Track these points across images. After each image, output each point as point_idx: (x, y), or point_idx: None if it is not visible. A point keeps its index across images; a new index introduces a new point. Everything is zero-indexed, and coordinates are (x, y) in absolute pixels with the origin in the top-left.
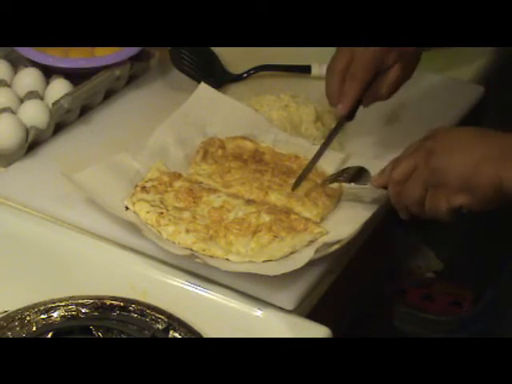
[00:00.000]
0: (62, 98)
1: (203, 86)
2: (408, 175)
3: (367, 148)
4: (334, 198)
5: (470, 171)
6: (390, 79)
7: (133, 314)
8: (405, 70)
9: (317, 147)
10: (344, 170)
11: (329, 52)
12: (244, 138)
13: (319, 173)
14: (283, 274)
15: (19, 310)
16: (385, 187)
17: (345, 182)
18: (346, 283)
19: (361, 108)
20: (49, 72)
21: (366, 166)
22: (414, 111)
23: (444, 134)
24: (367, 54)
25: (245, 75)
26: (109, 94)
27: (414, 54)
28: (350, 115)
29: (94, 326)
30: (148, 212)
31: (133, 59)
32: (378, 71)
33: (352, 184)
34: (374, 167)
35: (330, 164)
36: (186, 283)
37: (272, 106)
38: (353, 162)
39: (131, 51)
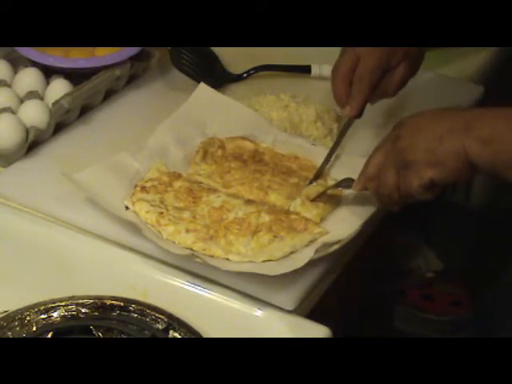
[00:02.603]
0: (61, 98)
1: (203, 86)
2: (380, 168)
3: (367, 148)
4: (335, 199)
5: (435, 144)
6: (396, 78)
7: (133, 314)
8: (411, 68)
9: (317, 148)
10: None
11: (329, 52)
12: (244, 138)
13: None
14: (283, 274)
15: (19, 310)
16: (366, 188)
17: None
18: (345, 283)
19: None
20: (49, 72)
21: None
22: (413, 111)
23: (408, 119)
24: (373, 56)
25: (245, 75)
26: (109, 94)
27: (419, 52)
28: (359, 115)
29: (94, 326)
30: (148, 212)
31: (133, 59)
32: (384, 71)
33: None
34: None
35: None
36: (186, 283)
37: (272, 106)
38: (350, 161)
39: (131, 51)
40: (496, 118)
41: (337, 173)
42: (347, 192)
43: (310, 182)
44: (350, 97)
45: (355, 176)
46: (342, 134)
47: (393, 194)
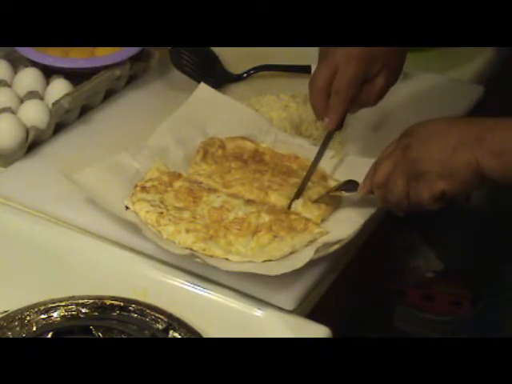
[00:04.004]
0: (62, 98)
1: (203, 86)
2: (389, 175)
3: (367, 148)
4: (336, 200)
5: (448, 156)
6: (376, 88)
7: (133, 314)
8: (390, 77)
9: (317, 148)
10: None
11: None
12: (244, 138)
13: (320, 175)
14: (283, 274)
15: (19, 310)
16: (372, 192)
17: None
18: (346, 283)
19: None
20: (49, 72)
21: (364, 166)
22: (413, 111)
23: (418, 127)
24: (351, 68)
25: (245, 75)
26: (109, 94)
27: (398, 61)
28: (339, 126)
29: (94, 326)
30: (148, 212)
31: (133, 59)
32: (363, 81)
33: None
34: None
35: (328, 164)
36: (186, 283)
37: (272, 106)
38: (351, 161)
39: (131, 51)
40: (507, 130)
41: (340, 174)
42: (348, 193)
43: (293, 200)
44: (329, 109)
45: (358, 178)
46: (324, 145)
47: (401, 201)
